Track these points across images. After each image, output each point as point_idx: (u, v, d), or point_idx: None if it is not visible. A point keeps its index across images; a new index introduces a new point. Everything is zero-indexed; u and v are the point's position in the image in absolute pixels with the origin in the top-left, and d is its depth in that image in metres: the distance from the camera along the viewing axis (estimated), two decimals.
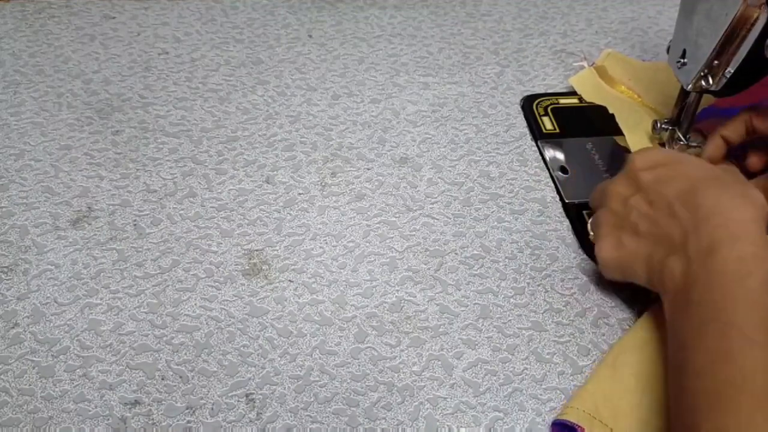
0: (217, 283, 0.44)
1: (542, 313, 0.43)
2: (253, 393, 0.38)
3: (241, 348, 0.40)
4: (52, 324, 0.41)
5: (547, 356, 0.41)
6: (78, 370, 0.39)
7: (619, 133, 0.56)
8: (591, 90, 0.60)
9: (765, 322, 0.32)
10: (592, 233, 0.44)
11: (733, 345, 0.31)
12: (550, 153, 0.55)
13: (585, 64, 0.63)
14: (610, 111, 0.58)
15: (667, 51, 0.50)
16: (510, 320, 0.42)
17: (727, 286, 0.34)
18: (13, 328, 0.41)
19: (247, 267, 0.45)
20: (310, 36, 0.68)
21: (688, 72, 0.47)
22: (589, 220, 0.45)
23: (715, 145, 0.48)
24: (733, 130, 0.47)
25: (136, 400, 0.37)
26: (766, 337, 0.31)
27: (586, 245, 0.46)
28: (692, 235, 0.36)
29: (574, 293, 0.44)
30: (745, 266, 0.34)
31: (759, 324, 0.32)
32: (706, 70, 0.46)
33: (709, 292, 0.34)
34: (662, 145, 0.54)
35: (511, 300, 0.44)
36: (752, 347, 0.31)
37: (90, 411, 0.37)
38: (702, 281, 0.35)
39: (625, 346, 0.40)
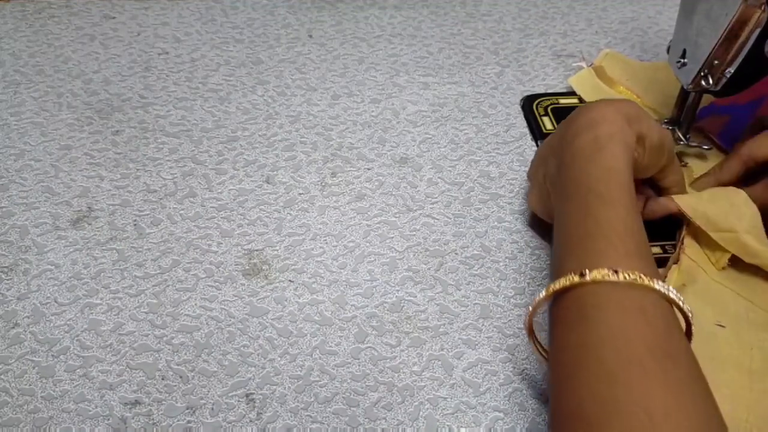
0: (217, 283, 0.44)
1: (543, 314, 0.43)
2: (253, 393, 0.38)
3: (241, 348, 0.40)
4: (52, 324, 0.41)
5: (547, 356, 0.41)
6: (78, 370, 0.39)
7: None
8: (590, 90, 0.60)
9: (616, 185, 0.36)
10: None
11: (590, 205, 0.36)
12: None
13: (584, 64, 0.63)
14: None
15: (667, 51, 0.50)
16: (510, 320, 0.42)
17: (584, 161, 0.38)
18: (13, 328, 0.41)
19: (247, 267, 0.45)
20: (310, 36, 0.68)
21: (688, 72, 0.47)
22: None
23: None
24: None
25: (136, 400, 0.37)
26: (618, 196, 0.36)
27: None
28: (563, 137, 0.41)
29: None
30: (599, 143, 0.38)
31: (611, 187, 0.36)
32: (706, 70, 0.46)
33: (572, 170, 0.38)
34: None
35: (512, 300, 0.44)
36: (605, 206, 0.35)
37: (90, 411, 0.37)
38: (566, 163, 0.39)
39: None
